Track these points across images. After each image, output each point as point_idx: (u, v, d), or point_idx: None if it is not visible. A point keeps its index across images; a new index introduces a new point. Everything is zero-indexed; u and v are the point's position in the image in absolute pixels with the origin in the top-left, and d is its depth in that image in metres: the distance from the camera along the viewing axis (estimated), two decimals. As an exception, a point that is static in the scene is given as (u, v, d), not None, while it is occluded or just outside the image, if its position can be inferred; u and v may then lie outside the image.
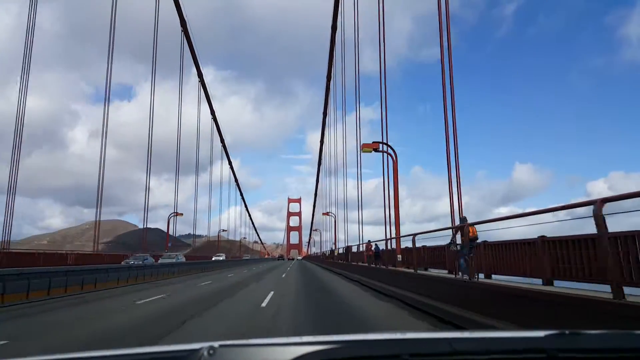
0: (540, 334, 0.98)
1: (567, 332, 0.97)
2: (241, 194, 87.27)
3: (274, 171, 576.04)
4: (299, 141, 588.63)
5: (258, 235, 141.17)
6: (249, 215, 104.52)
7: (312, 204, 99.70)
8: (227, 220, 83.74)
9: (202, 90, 56.64)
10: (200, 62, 53.40)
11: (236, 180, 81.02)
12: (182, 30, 46.34)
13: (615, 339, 1.03)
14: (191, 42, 48.59)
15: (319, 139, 61.58)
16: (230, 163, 72.95)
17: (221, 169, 69.70)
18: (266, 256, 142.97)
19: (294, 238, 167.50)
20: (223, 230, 69.73)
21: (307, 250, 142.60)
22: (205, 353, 0.92)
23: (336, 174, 45.81)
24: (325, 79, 49.67)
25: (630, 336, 1.01)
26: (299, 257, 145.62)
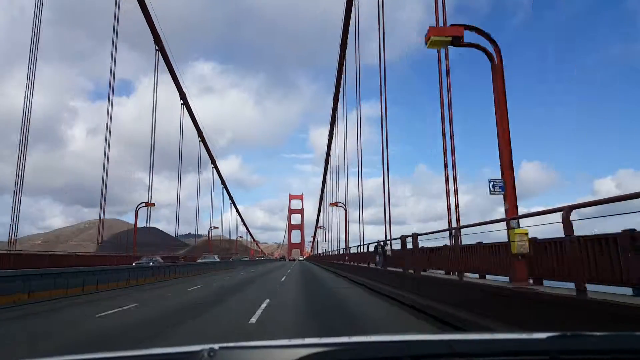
0: (542, 335, 1.01)
1: (568, 333, 1.00)
2: (229, 193, 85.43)
3: (276, 170, 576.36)
4: (301, 140, 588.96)
5: (250, 232, 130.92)
6: (239, 213, 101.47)
7: (314, 202, 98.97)
8: (221, 220, 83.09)
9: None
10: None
11: (223, 182, 79.23)
12: (156, 50, 42.66)
13: (618, 341, 1.05)
14: (169, 60, 44.48)
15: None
16: (216, 166, 70.07)
17: (212, 172, 68.99)
18: (259, 256, 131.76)
19: (296, 237, 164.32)
20: (214, 228, 69.01)
21: (311, 249, 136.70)
22: (206, 355, 0.94)
23: (346, 169, 42.84)
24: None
25: (633, 338, 1.04)
26: (301, 258, 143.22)
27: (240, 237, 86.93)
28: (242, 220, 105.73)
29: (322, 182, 72.39)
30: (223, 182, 76.34)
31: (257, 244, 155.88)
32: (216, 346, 0.98)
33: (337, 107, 46.67)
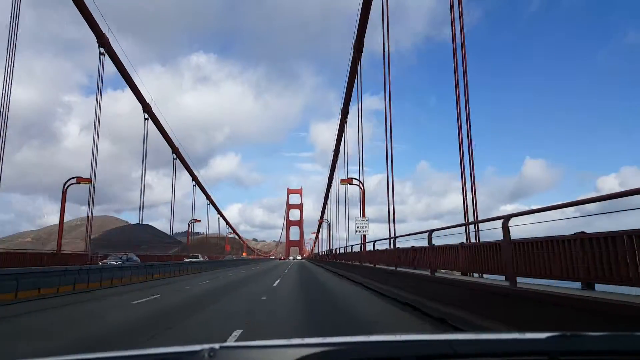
0: (542, 335, 1.05)
1: (568, 334, 1.03)
2: (209, 198, 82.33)
3: (276, 168, 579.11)
4: (301, 138, 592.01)
5: (235, 231, 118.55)
6: (222, 215, 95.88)
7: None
8: (207, 220, 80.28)
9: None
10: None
11: (204, 190, 76.54)
12: (101, 54, 34.82)
13: (617, 341, 1.09)
14: (123, 67, 39.12)
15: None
16: (192, 172, 67.96)
17: (194, 189, 67.53)
18: (243, 255, 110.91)
19: (295, 235, 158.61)
20: (195, 221, 64.04)
21: (314, 246, 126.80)
22: (206, 355, 0.97)
23: (361, 167, 40.69)
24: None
25: (633, 338, 1.07)
26: (299, 257, 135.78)
27: (197, 220, 74.60)
28: (225, 219, 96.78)
29: (329, 177, 67.23)
30: (203, 190, 73.95)
31: (241, 239, 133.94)
32: (217, 346, 1.01)
33: (350, 96, 41.49)
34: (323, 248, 78.65)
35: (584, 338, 1.05)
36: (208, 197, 77.43)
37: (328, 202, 68.64)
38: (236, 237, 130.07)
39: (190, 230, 67.38)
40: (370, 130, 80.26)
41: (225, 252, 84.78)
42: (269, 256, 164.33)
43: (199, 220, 61.68)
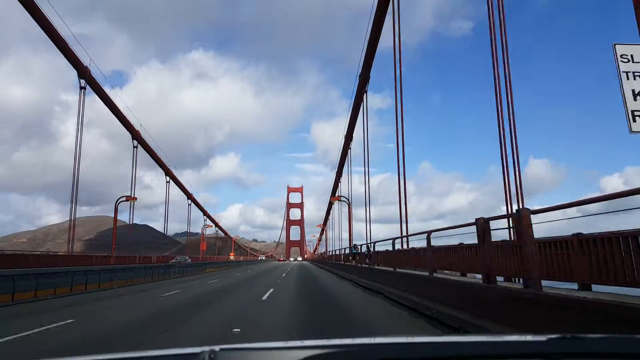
0: (543, 337, 1.07)
1: (569, 336, 1.05)
2: (198, 205, 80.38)
3: (277, 168, 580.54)
4: (302, 139, 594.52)
5: (224, 231, 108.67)
6: (210, 217, 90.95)
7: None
8: (191, 219, 73.80)
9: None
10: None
11: (189, 195, 74.84)
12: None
13: (618, 343, 1.10)
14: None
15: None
16: (173, 176, 67.37)
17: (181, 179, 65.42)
18: (231, 256, 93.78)
19: (296, 235, 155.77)
20: (131, 199, 47.80)
21: (317, 245, 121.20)
22: (206, 357, 0.98)
23: (368, 166, 38.76)
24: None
25: (633, 340, 1.09)
26: (300, 258, 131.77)
27: (134, 198, 53.87)
28: (198, 206, 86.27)
29: (336, 176, 58.30)
30: (188, 195, 72.12)
31: (227, 235, 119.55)
32: (217, 348, 1.02)
33: (362, 92, 39.67)
34: (332, 247, 61.98)
35: (585, 340, 1.06)
36: (175, 181, 71.30)
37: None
38: (238, 237, 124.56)
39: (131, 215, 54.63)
40: (374, 130, 79.03)
41: (203, 252, 77.57)
42: (257, 257, 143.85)
43: (135, 199, 48.67)
